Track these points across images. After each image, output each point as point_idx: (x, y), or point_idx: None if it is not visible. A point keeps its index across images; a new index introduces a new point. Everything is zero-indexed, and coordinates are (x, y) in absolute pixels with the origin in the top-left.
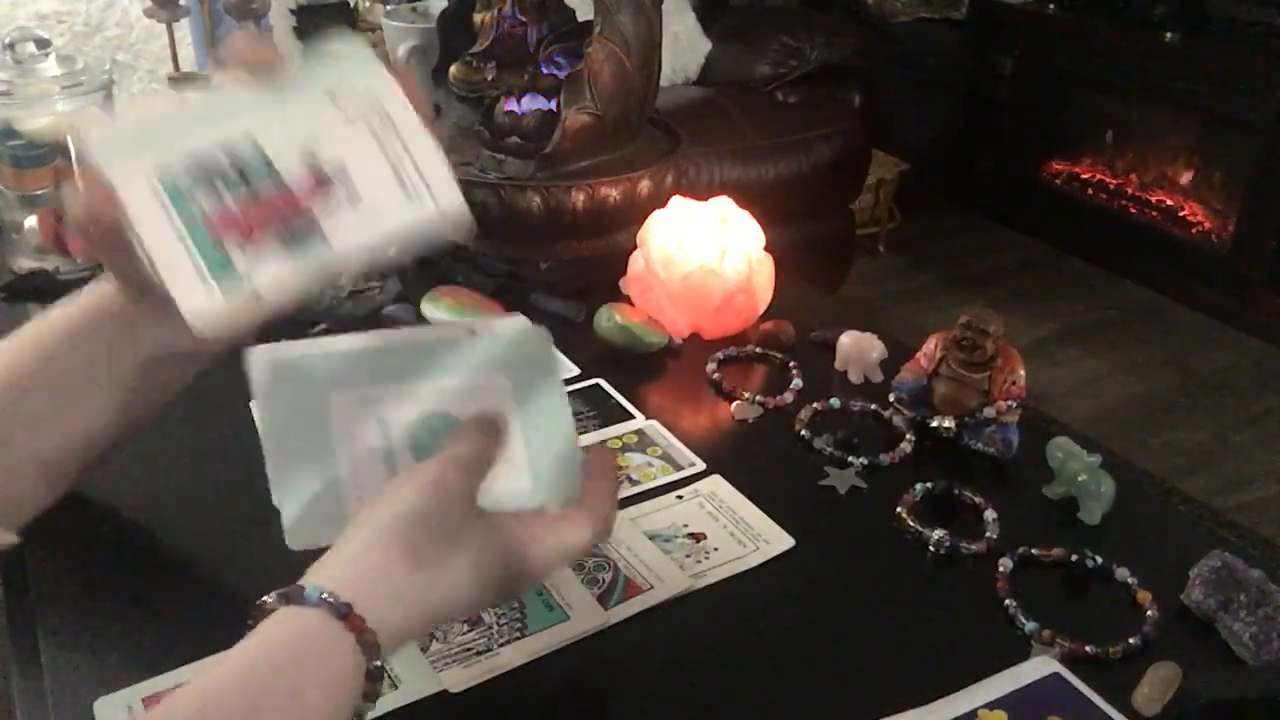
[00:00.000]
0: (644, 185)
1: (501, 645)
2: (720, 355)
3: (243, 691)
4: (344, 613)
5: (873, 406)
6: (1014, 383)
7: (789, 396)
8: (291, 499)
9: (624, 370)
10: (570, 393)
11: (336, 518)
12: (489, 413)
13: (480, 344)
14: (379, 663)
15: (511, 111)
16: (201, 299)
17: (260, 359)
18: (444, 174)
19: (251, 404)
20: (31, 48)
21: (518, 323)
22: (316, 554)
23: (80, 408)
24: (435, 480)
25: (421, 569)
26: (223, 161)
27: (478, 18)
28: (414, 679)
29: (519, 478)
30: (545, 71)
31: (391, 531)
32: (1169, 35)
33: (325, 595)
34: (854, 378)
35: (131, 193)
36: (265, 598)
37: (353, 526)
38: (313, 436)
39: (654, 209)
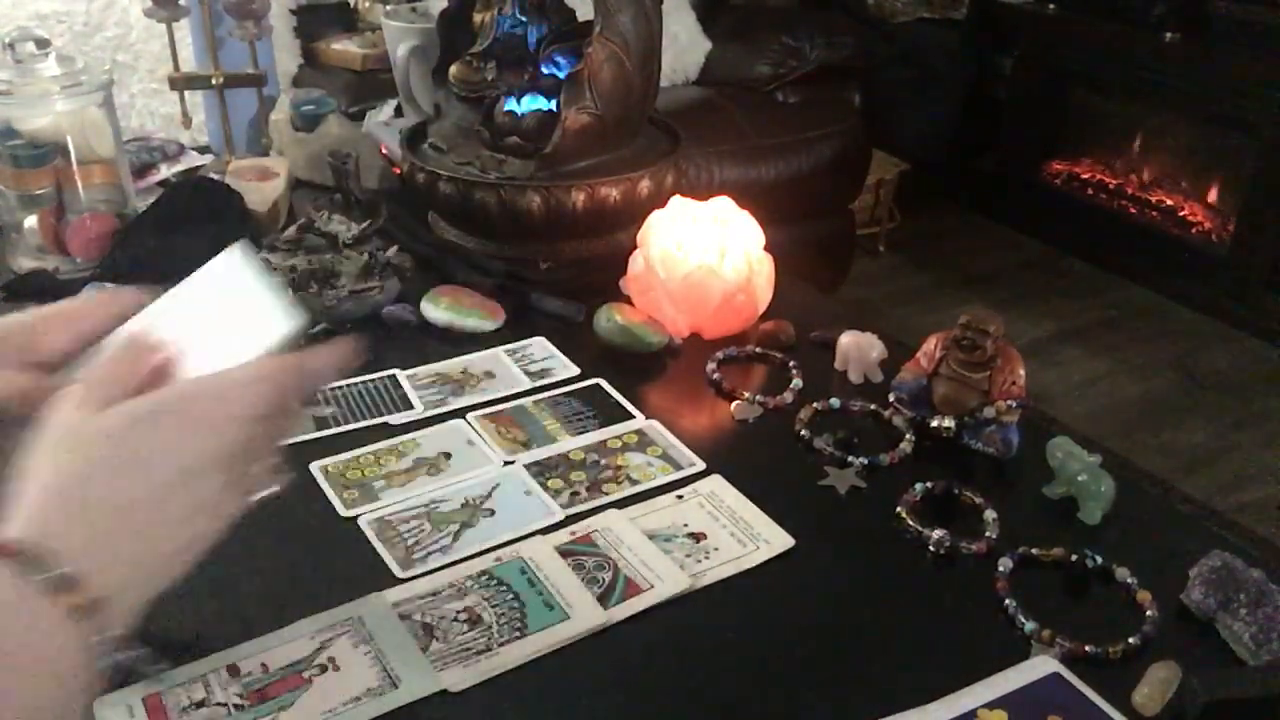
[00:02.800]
0: (644, 185)
1: (501, 645)
2: (720, 355)
3: None
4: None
5: (873, 406)
6: (1014, 383)
7: (789, 396)
8: None
9: (624, 370)
10: (570, 393)
11: None
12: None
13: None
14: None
15: (511, 111)
16: None
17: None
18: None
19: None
20: (31, 48)
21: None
22: None
23: None
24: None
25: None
26: None
27: (478, 18)
28: (414, 679)
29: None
30: (545, 71)
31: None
32: (1169, 35)
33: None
34: (854, 378)
35: None
36: None
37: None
38: None
39: (654, 209)
